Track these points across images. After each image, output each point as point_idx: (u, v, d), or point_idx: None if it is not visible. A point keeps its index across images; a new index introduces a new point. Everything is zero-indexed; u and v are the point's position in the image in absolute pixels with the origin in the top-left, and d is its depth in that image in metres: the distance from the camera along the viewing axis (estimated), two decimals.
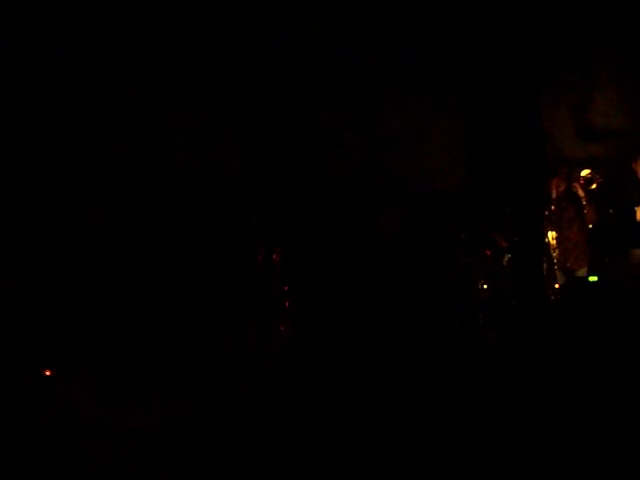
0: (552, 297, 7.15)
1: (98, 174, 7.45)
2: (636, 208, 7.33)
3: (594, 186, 7.43)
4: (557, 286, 7.23)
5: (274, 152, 7.91)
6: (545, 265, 7.40)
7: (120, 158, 7.65)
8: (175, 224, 6.62)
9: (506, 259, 7.13)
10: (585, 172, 7.48)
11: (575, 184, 7.38)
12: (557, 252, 7.35)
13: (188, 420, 2.26)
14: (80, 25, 7.00)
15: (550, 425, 4.26)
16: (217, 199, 7.31)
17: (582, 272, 7.39)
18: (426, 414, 2.63)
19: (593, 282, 6.61)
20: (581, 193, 7.39)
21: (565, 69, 8.60)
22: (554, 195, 7.37)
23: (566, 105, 8.67)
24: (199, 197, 7.24)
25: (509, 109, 8.21)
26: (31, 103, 7.01)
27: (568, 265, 7.41)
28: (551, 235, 7.37)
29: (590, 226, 7.49)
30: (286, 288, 5.87)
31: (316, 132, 8.16)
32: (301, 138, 7.96)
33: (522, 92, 8.42)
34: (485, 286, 7.15)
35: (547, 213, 7.37)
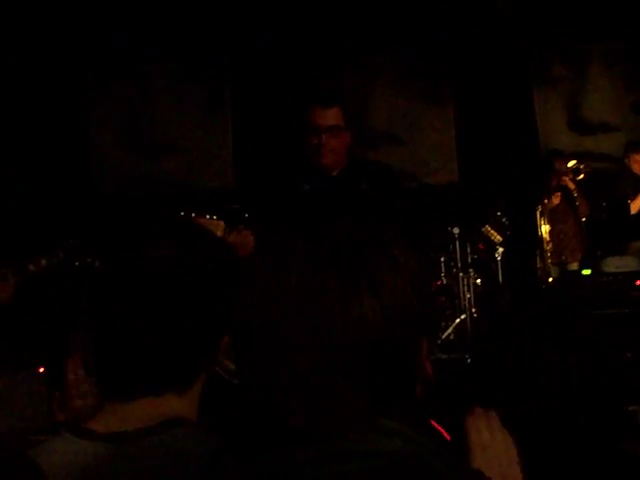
0: (546, 291, 7.11)
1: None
2: (629, 202, 7.28)
3: (582, 176, 7.35)
4: (550, 280, 7.18)
5: (266, 150, 7.84)
6: (538, 259, 7.36)
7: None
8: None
9: (499, 253, 7.09)
10: (571, 163, 7.39)
11: (564, 177, 7.28)
12: (550, 246, 7.30)
13: None
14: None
15: (539, 420, 4.23)
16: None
17: (575, 265, 7.34)
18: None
19: (586, 275, 6.55)
20: (571, 185, 7.31)
21: (558, 63, 8.56)
22: (547, 189, 7.30)
23: (559, 99, 8.62)
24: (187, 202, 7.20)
25: (502, 103, 8.17)
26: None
27: (562, 258, 7.37)
28: (544, 229, 7.32)
29: (583, 219, 7.44)
30: None
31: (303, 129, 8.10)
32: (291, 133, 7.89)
33: (515, 86, 8.38)
34: (478, 280, 7.12)
35: (540, 207, 7.32)
